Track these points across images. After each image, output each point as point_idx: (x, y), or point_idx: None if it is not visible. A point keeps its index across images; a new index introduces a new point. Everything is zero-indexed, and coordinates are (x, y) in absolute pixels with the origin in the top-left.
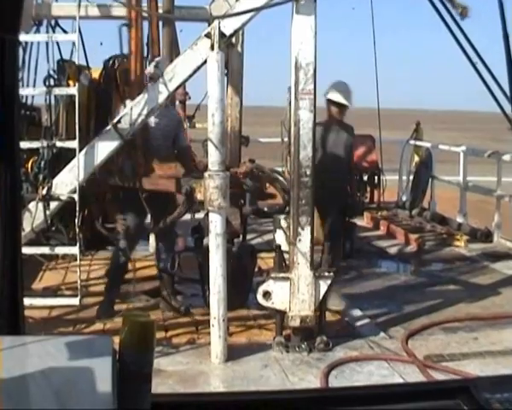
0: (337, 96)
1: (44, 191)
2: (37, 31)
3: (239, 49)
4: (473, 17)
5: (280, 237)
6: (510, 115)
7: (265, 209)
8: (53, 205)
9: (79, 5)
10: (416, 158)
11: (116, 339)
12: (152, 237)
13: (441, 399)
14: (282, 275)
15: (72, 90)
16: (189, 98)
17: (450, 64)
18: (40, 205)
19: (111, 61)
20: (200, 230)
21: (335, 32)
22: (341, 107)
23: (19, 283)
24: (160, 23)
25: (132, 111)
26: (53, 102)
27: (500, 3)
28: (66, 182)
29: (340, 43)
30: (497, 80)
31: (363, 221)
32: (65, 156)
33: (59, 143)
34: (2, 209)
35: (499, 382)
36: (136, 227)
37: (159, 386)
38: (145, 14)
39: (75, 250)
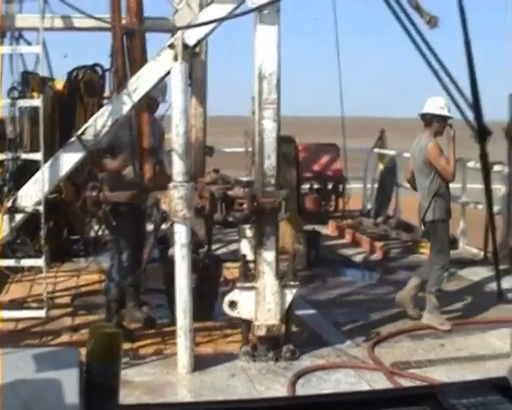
0: (445, 112)
1: (9, 203)
2: (1, 42)
3: (203, 58)
4: (441, 27)
5: (245, 247)
6: (473, 123)
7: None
8: (18, 217)
9: (43, 17)
10: (381, 166)
11: (83, 350)
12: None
13: (408, 405)
14: (247, 285)
15: (37, 102)
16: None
17: (416, 72)
18: (5, 217)
19: (75, 73)
20: (166, 240)
21: (304, 40)
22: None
23: None
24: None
25: (97, 122)
26: (17, 114)
27: (462, 15)
28: (31, 194)
29: (309, 51)
30: (461, 90)
31: (327, 230)
32: (29, 168)
33: (23, 155)
34: None
35: (465, 388)
36: (131, 255)
37: (126, 397)
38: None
39: (41, 262)
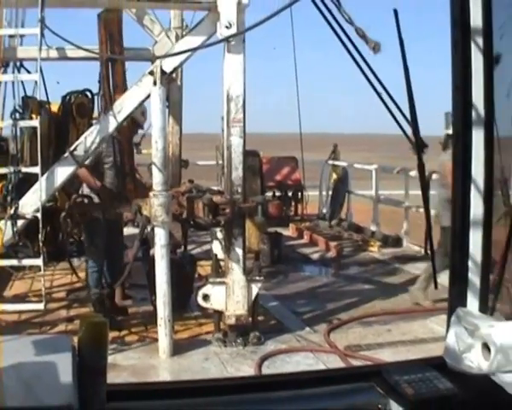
0: None
1: (12, 211)
2: (5, 71)
3: (178, 83)
4: (383, 51)
5: (216, 247)
6: (411, 137)
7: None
8: (20, 223)
9: (40, 48)
10: (334, 176)
11: (76, 338)
12: None
13: (358, 381)
14: (218, 280)
15: (35, 122)
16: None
17: (363, 92)
18: (9, 223)
19: (68, 97)
20: (147, 242)
21: (266, 64)
22: None
23: None
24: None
25: (86, 140)
26: (18, 133)
27: (401, 45)
28: (31, 202)
29: (271, 74)
30: (400, 108)
31: (288, 231)
32: (29, 180)
33: (24, 169)
34: None
35: (407, 366)
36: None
37: (115, 378)
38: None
39: (39, 262)
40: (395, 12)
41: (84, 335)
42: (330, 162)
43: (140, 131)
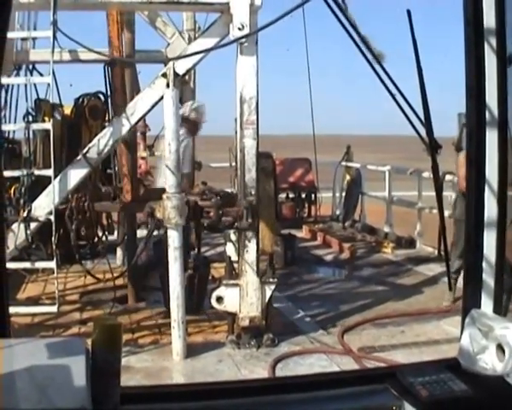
0: None
1: (25, 214)
2: (17, 74)
3: (191, 86)
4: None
5: (230, 249)
6: (425, 138)
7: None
8: (33, 225)
9: (53, 51)
10: (348, 177)
11: (89, 341)
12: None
13: (372, 384)
14: (232, 282)
15: (48, 125)
16: (149, 130)
17: (375, 96)
18: (22, 226)
19: (80, 99)
20: (161, 244)
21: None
22: None
23: (4, 293)
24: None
25: (99, 142)
26: (31, 135)
27: (414, 45)
28: (44, 205)
29: (284, 77)
30: (414, 109)
31: (302, 233)
32: (42, 183)
33: (37, 172)
34: None
35: (421, 368)
36: None
37: (128, 380)
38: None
39: (52, 265)
40: (408, 13)
41: (97, 337)
42: (343, 164)
43: (150, 133)
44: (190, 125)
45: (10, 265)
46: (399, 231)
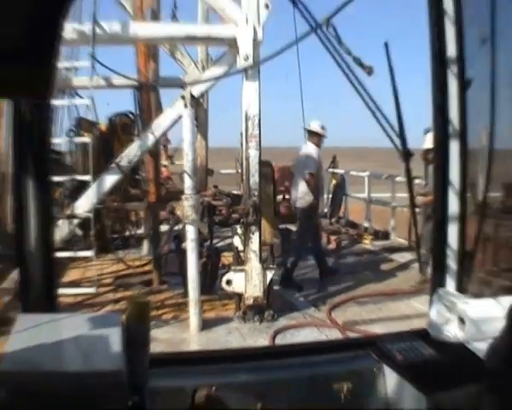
0: None
1: (68, 212)
2: (62, 97)
3: (205, 106)
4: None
5: (237, 241)
6: (399, 148)
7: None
8: (74, 221)
9: (91, 78)
10: (334, 181)
11: (123, 316)
12: (145, 243)
13: (356, 350)
14: (239, 268)
15: (87, 139)
16: (170, 143)
17: (358, 112)
18: (66, 222)
19: (113, 118)
20: (180, 237)
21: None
22: None
23: (54, 278)
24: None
25: (130, 153)
26: (73, 148)
27: (390, 69)
28: (84, 205)
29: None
30: (390, 123)
31: (296, 227)
32: (82, 187)
33: (78, 177)
34: (40, 225)
35: (397, 337)
36: None
37: (153, 349)
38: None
39: (91, 254)
40: (386, 45)
41: (130, 313)
42: (330, 170)
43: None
44: (317, 139)
45: (56, 253)
46: (376, 225)
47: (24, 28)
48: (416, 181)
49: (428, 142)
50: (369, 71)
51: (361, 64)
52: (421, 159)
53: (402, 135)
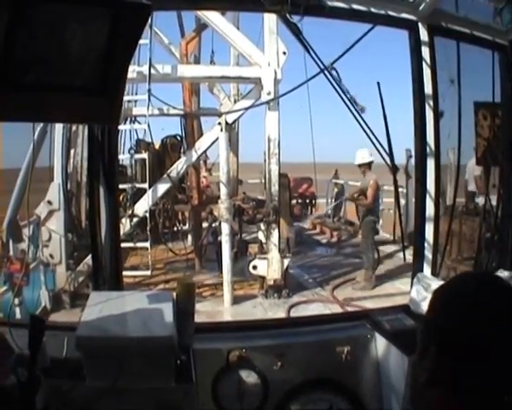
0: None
1: (130, 212)
2: (125, 123)
3: (236, 130)
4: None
5: (261, 235)
6: (389, 163)
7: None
8: (134, 220)
9: (148, 108)
10: (336, 189)
11: (174, 293)
12: (190, 236)
13: (353, 321)
14: (262, 256)
15: (144, 155)
16: (209, 159)
17: (357, 136)
18: (128, 220)
19: (165, 139)
20: (216, 232)
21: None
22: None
23: (120, 262)
24: None
25: (178, 166)
26: (133, 162)
27: (381, 102)
28: (142, 207)
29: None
30: (381, 144)
31: (306, 225)
32: (140, 193)
33: (137, 185)
34: (109, 222)
35: (385, 310)
36: None
37: (196, 319)
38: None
39: (147, 244)
40: (378, 84)
41: (179, 290)
42: (333, 181)
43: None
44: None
45: (121, 244)
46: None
47: (97, 67)
48: (399, 189)
49: (359, 158)
50: (362, 109)
51: (355, 103)
52: (404, 173)
53: (391, 154)
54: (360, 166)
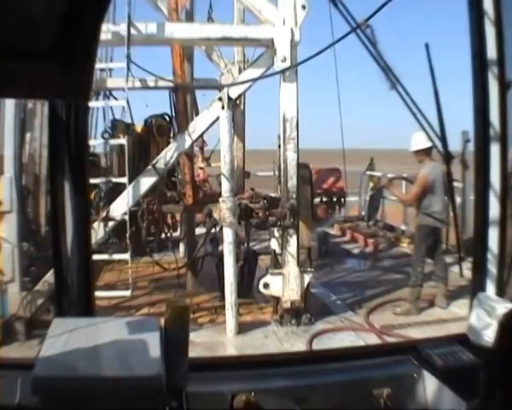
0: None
1: (104, 214)
2: (97, 99)
3: (242, 108)
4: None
5: (274, 244)
6: (441, 150)
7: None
8: (110, 224)
9: (127, 79)
10: (371, 184)
11: (162, 319)
12: (182, 246)
13: (395, 355)
14: (277, 271)
15: (123, 141)
16: (206, 145)
17: (397, 116)
18: (101, 224)
19: (149, 120)
20: (216, 240)
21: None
22: None
23: (91, 280)
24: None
25: (166, 155)
26: (108, 150)
27: (432, 77)
28: (120, 207)
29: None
30: (432, 126)
31: (333, 231)
32: (117, 189)
33: (114, 179)
34: (77, 228)
35: (437, 342)
36: None
37: (190, 353)
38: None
39: (126, 256)
40: (426, 46)
41: (169, 316)
42: (367, 173)
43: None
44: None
45: (92, 257)
46: (414, 229)
47: (61, 28)
48: (455, 184)
49: (413, 143)
50: (392, 85)
51: (387, 74)
52: (460, 163)
53: (443, 137)
54: (417, 153)
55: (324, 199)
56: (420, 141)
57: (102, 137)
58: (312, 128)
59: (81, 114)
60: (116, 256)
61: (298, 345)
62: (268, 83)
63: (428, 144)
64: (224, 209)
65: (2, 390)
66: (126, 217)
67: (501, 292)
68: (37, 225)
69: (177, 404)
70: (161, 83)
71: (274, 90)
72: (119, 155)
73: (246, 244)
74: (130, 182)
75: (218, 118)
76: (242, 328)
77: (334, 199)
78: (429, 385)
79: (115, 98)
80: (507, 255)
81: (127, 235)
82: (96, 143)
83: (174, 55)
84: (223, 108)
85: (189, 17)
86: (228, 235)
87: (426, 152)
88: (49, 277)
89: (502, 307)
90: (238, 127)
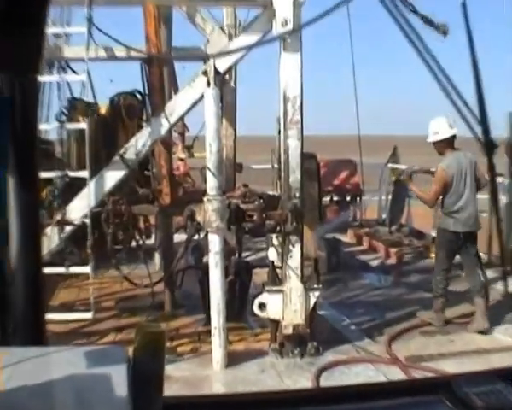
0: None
1: (59, 217)
2: (50, 72)
3: (232, 85)
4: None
5: (272, 254)
6: (480, 138)
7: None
8: (67, 229)
9: (88, 48)
10: (393, 178)
11: (129, 348)
12: (157, 256)
13: (424, 394)
14: (275, 288)
15: (83, 124)
16: (188, 130)
17: (424, 93)
18: (55, 229)
19: (116, 98)
20: (200, 249)
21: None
22: None
23: (42, 299)
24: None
25: (137, 143)
26: (65, 136)
27: (469, 35)
28: (79, 208)
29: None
30: (469, 106)
31: (347, 238)
32: (77, 185)
33: (71, 173)
34: (24, 235)
35: (476, 378)
36: None
37: (166, 390)
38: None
39: (87, 270)
40: (463, 5)
41: (139, 344)
42: (390, 165)
43: (190, 134)
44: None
45: (44, 270)
46: None
47: None
48: (498, 179)
49: (430, 133)
50: (444, 30)
51: (432, 23)
52: (505, 153)
53: (484, 121)
54: (436, 144)
55: (335, 198)
56: (439, 129)
57: (57, 120)
58: (320, 110)
59: (29, 91)
60: (74, 269)
61: (302, 381)
62: (265, 53)
63: (451, 133)
64: (210, 211)
65: None
66: (87, 220)
67: None
68: None
69: None
70: (132, 53)
71: (273, 62)
72: (79, 143)
73: (237, 255)
74: (92, 176)
75: (202, 96)
76: (232, 359)
77: (348, 198)
78: None
79: (74, 71)
80: None
81: (88, 243)
82: (48, 128)
83: (147, 18)
84: (208, 84)
85: None
86: (214, 243)
87: (447, 142)
88: None
89: None
90: (228, 108)
